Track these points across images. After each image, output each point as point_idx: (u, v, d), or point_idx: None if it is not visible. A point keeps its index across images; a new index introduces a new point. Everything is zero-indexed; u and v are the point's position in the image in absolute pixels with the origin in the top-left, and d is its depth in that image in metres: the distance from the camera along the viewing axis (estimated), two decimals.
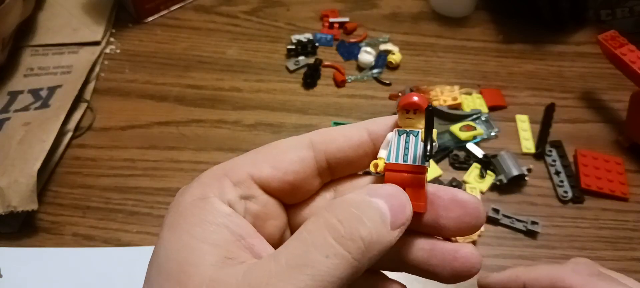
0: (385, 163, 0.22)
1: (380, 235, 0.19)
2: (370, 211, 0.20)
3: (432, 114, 0.22)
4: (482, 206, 0.22)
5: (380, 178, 0.23)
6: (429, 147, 0.21)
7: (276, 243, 0.23)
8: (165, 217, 0.22)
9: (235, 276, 0.19)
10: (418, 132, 0.23)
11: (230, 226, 0.21)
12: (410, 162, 0.22)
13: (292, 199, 0.24)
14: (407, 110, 0.23)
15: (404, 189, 0.21)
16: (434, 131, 0.22)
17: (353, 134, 0.23)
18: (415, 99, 0.22)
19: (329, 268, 0.18)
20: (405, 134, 0.23)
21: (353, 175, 0.25)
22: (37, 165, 0.47)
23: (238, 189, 0.22)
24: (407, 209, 0.21)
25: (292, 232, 0.25)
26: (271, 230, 0.23)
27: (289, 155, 0.23)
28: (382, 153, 0.23)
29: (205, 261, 0.19)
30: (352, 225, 0.19)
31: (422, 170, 0.22)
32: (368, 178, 0.24)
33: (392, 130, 0.23)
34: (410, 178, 0.22)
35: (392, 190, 0.21)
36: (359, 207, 0.20)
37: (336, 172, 0.24)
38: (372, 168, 0.23)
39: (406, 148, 0.22)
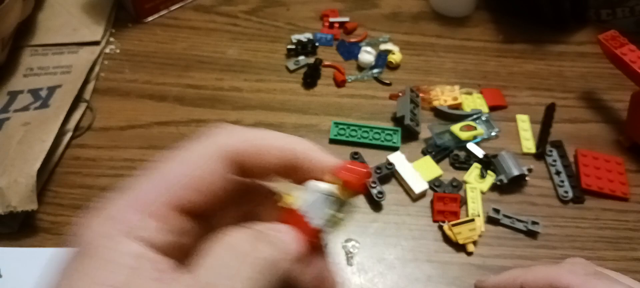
0: (293, 208, 0.22)
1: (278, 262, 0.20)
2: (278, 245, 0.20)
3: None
4: None
5: (284, 212, 0.23)
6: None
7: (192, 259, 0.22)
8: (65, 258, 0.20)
9: None
10: (337, 201, 0.22)
11: (142, 267, 0.19)
12: (313, 225, 0.22)
13: (208, 214, 0.22)
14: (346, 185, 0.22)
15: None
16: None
17: (276, 151, 0.23)
18: (352, 178, 0.22)
19: None
20: (328, 200, 0.22)
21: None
22: (37, 165, 0.46)
23: (152, 221, 0.20)
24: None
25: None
26: (189, 249, 0.21)
27: (207, 173, 0.21)
28: (299, 197, 0.22)
29: None
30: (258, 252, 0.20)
31: (318, 234, 0.22)
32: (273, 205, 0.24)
33: (324, 183, 0.22)
34: (306, 232, 0.22)
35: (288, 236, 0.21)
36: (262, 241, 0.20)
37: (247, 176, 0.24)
38: (278, 202, 0.23)
39: (318, 211, 0.22)
